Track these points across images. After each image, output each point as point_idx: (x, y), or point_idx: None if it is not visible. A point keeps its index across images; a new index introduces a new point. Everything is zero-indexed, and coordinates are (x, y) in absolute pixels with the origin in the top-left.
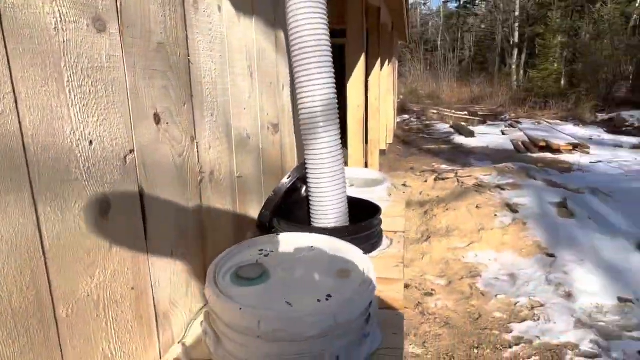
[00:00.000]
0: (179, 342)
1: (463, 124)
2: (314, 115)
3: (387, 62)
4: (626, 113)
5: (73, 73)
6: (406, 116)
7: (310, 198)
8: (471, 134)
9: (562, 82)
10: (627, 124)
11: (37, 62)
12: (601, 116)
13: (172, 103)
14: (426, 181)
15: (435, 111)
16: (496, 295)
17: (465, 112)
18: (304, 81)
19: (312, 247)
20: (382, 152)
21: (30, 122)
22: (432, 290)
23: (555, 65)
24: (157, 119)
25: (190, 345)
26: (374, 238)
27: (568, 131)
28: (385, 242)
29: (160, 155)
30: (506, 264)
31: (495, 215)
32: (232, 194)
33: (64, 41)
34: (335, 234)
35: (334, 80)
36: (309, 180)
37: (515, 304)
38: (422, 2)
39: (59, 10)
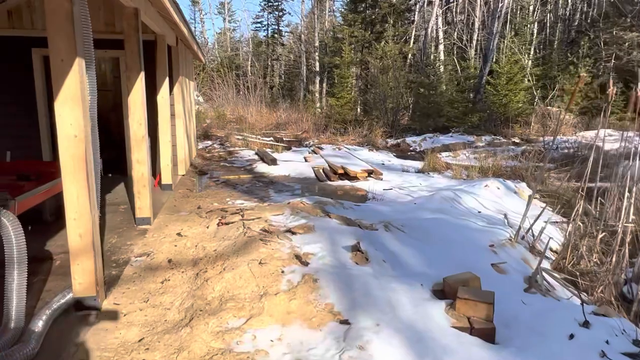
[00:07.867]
0: None
1: (268, 150)
2: None
3: (177, 84)
4: (410, 139)
5: None
6: (209, 142)
7: None
8: (274, 162)
9: (358, 110)
10: (411, 148)
11: None
12: (390, 142)
13: None
14: (208, 227)
15: (240, 137)
16: None
17: (271, 138)
18: None
19: None
20: (169, 187)
21: None
22: None
23: (352, 93)
24: None
25: None
26: None
27: (364, 156)
28: None
29: None
30: (293, 343)
31: (282, 272)
32: None
33: None
34: None
35: None
36: None
37: None
38: (232, 28)
39: None
